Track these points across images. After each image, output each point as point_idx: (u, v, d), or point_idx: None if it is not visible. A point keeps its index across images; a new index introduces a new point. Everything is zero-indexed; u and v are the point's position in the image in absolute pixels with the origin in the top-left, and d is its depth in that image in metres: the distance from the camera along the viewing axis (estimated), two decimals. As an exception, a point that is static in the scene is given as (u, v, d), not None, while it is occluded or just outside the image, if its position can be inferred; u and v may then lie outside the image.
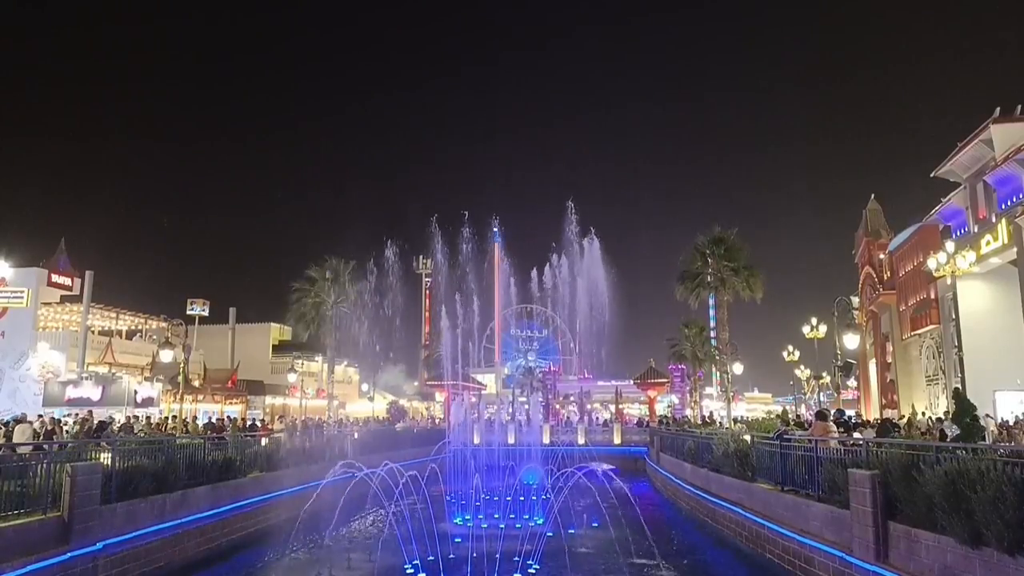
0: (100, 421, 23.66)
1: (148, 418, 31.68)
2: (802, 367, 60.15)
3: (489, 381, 77.14)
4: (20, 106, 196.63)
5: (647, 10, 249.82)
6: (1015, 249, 27.05)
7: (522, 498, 22.96)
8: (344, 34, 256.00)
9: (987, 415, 22.48)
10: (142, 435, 23.92)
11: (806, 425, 20.82)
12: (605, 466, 25.21)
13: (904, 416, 30.25)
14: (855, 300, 49.56)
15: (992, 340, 30.18)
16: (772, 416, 33.90)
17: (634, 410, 68.36)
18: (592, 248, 43.40)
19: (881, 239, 46.10)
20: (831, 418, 18.47)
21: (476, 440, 39.18)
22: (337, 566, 15.72)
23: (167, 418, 33.58)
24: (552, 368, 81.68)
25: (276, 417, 38.46)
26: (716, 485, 20.76)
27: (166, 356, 29.73)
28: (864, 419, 29.84)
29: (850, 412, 28.80)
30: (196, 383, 43.63)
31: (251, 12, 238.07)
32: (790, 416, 31.01)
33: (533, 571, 14.65)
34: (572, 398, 67.50)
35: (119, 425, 25.12)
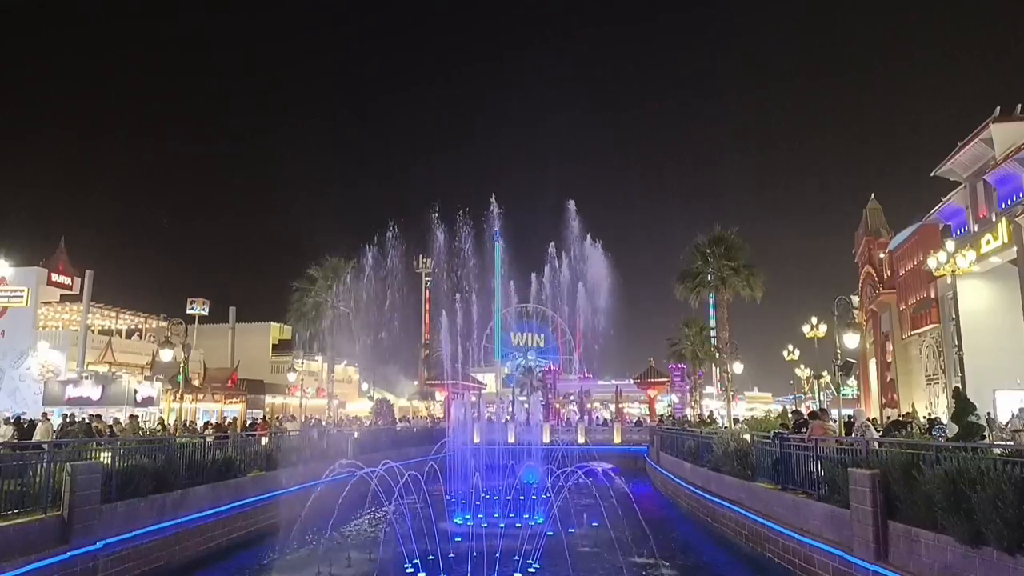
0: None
1: (131, 417, 31.33)
2: (802, 366, 60.18)
3: (489, 380, 77.09)
4: (20, 105, 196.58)
5: (646, 10, 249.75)
6: (1015, 248, 27.04)
7: (522, 497, 22.97)
8: (343, 32, 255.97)
9: (1008, 421, 22.44)
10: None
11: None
12: (605, 465, 25.26)
13: (905, 413, 30.26)
14: (855, 299, 49.56)
15: (992, 339, 30.18)
16: (773, 416, 33.88)
17: (634, 409, 68.34)
18: (593, 249, 43.31)
19: (881, 238, 46.12)
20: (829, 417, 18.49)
21: (476, 439, 39.19)
22: (337, 565, 15.72)
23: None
24: (552, 367, 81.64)
25: (289, 416, 38.49)
26: (716, 484, 20.78)
27: (166, 355, 29.70)
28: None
29: (849, 411, 28.74)
30: (196, 382, 43.62)
31: (250, 12, 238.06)
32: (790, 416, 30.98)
33: (533, 570, 14.67)
34: (572, 397, 67.47)
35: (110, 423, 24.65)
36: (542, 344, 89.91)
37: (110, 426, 24.10)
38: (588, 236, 43.73)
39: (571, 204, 55.11)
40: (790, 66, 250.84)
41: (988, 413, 25.28)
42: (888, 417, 31.01)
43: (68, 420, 23.94)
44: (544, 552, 15.48)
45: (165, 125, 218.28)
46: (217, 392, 46.82)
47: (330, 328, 37.06)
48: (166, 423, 33.24)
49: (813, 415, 18.23)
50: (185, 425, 30.88)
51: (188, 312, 47.20)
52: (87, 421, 23.02)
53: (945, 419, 22.22)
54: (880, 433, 17.49)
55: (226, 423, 33.18)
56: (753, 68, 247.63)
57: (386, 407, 50.82)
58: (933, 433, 17.82)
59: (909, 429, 19.45)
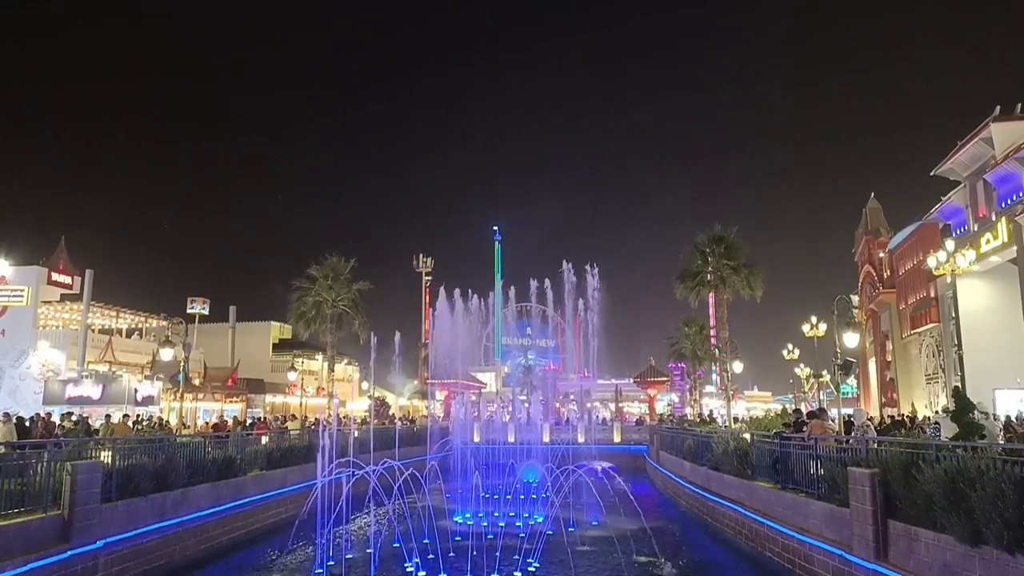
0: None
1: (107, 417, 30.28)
2: (802, 365, 60.19)
3: (489, 380, 77.15)
4: (20, 105, 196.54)
5: (645, 8, 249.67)
6: (1015, 247, 27.06)
7: (522, 496, 22.99)
8: (343, 35, 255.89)
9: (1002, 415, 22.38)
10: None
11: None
12: (605, 464, 25.26)
13: (903, 414, 30.28)
14: (855, 299, 49.60)
15: (992, 339, 30.20)
16: (772, 415, 33.87)
17: (634, 408, 68.39)
18: (592, 277, 43.29)
19: (881, 237, 46.15)
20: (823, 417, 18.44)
21: (476, 438, 39.21)
22: (337, 564, 15.74)
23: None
24: (552, 367, 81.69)
25: (289, 416, 38.51)
26: (716, 483, 20.78)
27: (166, 355, 29.73)
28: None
29: (848, 411, 28.75)
30: (196, 382, 43.64)
31: (251, 12, 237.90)
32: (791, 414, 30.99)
33: (533, 569, 14.68)
34: (572, 396, 67.52)
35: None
36: (542, 343, 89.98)
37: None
38: (590, 264, 43.82)
39: (571, 202, 55.00)
40: (790, 66, 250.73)
41: (987, 414, 25.30)
42: (889, 416, 30.99)
43: (34, 421, 22.73)
44: (544, 551, 15.49)
45: (165, 125, 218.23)
46: (217, 391, 46.85)
47: (330, 327, 36.97)
48: (165, 421, 33.18)
49: (811, 415, 18.26)
50: (161, 424, 30.44)
51: (188, 311, 47.24)
52: (86, 420, 22.85)
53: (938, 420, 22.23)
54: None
55: (224, 422, 33.15)
56: (753, 68, 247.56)
57: (382, 407, 50.76)
58: (928, 432, 17.83)
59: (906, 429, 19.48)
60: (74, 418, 24.84)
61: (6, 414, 21.27)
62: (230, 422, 34.98)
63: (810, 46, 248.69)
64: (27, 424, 21.78)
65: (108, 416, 25.52)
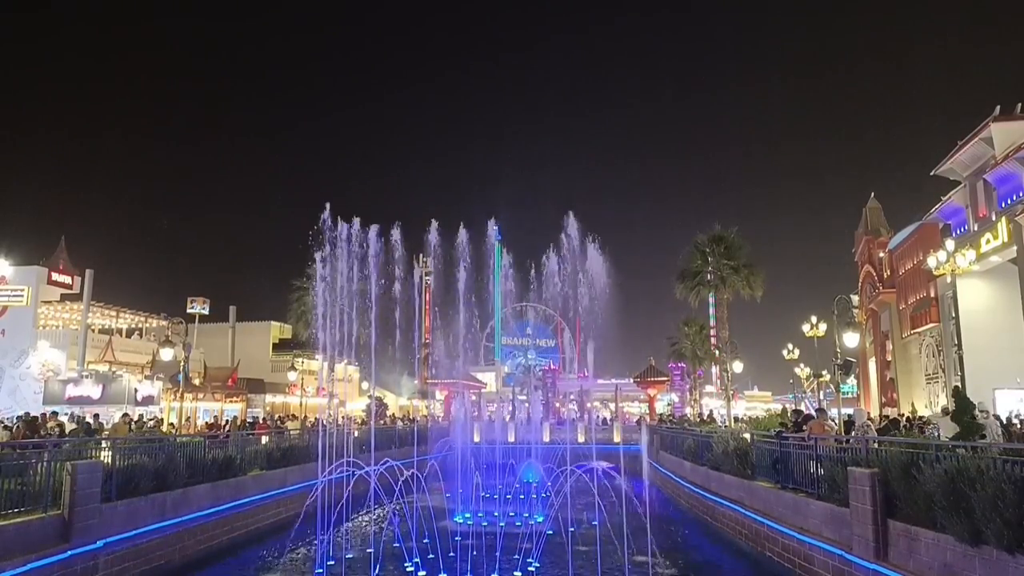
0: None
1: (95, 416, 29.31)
2: (802, 365, 60.25)
3: (489, 379, 77.07)
4: (20, 105, 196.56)
5: (645, 8, 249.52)
6: (1015, 247, 27.08)
7: (522, 496, 22.99)
8: (342, 33, 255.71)
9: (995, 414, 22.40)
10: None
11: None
12: (605, 464, 25.23)
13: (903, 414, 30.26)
14: (855, 298, 49.62)
15: (992, 338, 30.22)
16: (772, 414, 33.86)
17: (634, 408, 68.36)
18: (592, 250, 42.93)
19: (881, 237, 46.17)
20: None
21: (476, 438, 39.20)
22: (337, 564, 15.74)
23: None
24: (552, 366, 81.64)
25: (290, 416, 38.47)
26: (716, 483, 20.79)
27: (166, 354, 29.76)
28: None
29: (848, 411, 28.76)
30: (196, 381, 43.62)
31: (250, 12, 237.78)
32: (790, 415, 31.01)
33: (533, 569, 14.67)
34: (572, 396, 67.49)
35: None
36: (542, 343, 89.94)
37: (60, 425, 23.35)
38: (587, 238, 43.44)
39: (571, 202, 54.85)
40: (790, 65, 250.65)
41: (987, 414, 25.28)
42: (884, 416, 31.07)
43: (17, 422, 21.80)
44: (544, 551, 15.49)
45: (165, 125, 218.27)
46: (217, 391, 46.81)
47: (330, 327, 37.02)
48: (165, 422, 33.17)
49: (808, 417, 18.28)
50: (155, 424, 30.03)
51: (188, 311, 47.18)
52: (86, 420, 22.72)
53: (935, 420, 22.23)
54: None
55: (223, 423, 33.18)
56: (752, 67, 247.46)
57: (380, 407, 50.69)
58: (926, 433, 17.84)
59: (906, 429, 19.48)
60: (61, 418, 24.67)
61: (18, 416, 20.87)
62: (230, 421, 35.00)
63: (810, 46, 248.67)
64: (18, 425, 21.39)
65: (96, 415, 25.32)
